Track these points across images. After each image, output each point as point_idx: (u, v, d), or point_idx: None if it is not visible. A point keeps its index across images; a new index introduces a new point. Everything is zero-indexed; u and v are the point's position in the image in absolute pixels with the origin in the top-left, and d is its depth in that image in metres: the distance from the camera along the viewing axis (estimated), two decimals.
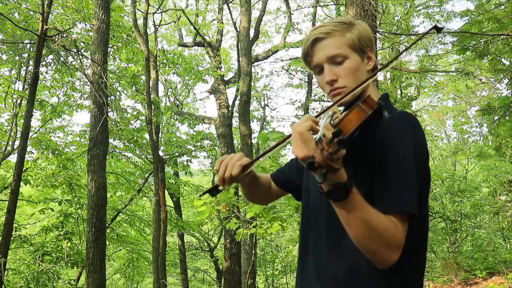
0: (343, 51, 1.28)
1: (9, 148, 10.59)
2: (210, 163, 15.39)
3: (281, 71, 15.28)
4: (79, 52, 7.86)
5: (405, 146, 1.16)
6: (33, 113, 7.97)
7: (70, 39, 7.96)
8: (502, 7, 6.32)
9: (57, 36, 7.10)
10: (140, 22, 10.73)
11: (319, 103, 13.61)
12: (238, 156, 1.33)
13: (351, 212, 1.05)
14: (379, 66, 1.38)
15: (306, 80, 14.54)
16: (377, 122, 1.22)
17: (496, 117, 6.99)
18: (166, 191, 11.39)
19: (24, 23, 9.47)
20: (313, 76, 1.40)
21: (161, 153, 11.12)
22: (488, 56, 6.36)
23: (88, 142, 7.18)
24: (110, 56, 10.45)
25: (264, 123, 16.38)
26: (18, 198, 6.97)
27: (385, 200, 1.13)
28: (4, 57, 10.36)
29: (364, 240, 1.08)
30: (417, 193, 1.14)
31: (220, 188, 1.32)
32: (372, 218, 1.06)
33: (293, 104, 16.77)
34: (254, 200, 1.71)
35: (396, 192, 1.13)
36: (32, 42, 9.58)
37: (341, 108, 1.34)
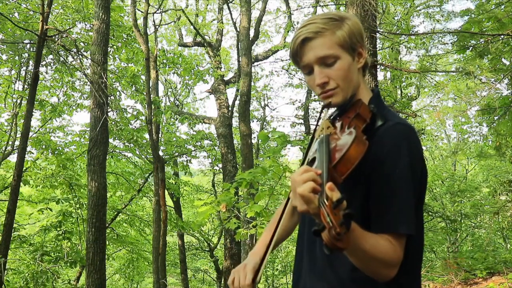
0: (333, 52, 1.24)
1: (9, 148, 10.59)
2: (210, 163, 15.38)
3: (281, 71, 15.28)
4: (79, 52, 7.85)
5: (401, 164, 1.15)
6: (33, 113, 7.96)
7: (70, 39, 7.96)
8: (502, 6, 6.31)
9: (57, 36, 7.10)
10: (140, 22, 10.73)
11: (319, 103, 13.61)
12: (243, 273, 1.30)
13: (350, 245, 1.04)
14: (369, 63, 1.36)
15: (306, 81, 14.52)
16: (370, 130, 1.19)
17: (496, 117, 6.98)
18: (166, 191, 11.39)
19: (24, 23, 9.47)
20: None
21: (161, 153, 11.12)
22: (488, 55, 6.36)
23: (88, 142, 7.18)
24: (110, 56, 10.45)
25: (264, 123, 16.38)
26: (18, 198, 6.97)
27: (382, 222, 1.14)
28: (4, 57, 10.37)
29: (363, 266, 1.11)
30: (414, 212, 1.14)
31: None
32: (370, 248, 1.07)
33: (293, 104, 16.74)
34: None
35: (393, 214, 1.13)
36: (32, 42, 9.58)
37: (332, 110, 1.33)
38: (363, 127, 1.17)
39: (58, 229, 8.84)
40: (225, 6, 12.95)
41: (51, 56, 10.18)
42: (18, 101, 10.59)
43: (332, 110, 1.37)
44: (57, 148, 10.73)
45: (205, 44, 13.17)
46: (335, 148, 1.11)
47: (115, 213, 11.95)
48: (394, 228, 1.12)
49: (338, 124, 1.23)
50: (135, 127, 11.12)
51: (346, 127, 1.17)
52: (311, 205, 0.98)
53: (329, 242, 0.90)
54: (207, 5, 14.57)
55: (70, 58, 9.49)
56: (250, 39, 10.87)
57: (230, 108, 12.23)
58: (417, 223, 1.17)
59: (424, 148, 16.87)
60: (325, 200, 0.93)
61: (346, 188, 1.02)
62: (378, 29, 6.44)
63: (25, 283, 7.48)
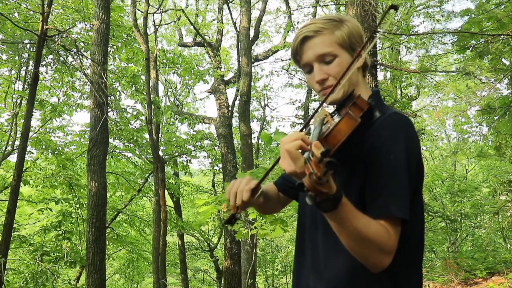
0: (332, 50, 1.27)
1: (9, 148, 10.58)
2: (210, 163, 15.39)
3: (281, 71, 15.28)
4: (79, 52, 7.85)
5: (396, 149, 1.16)
6: (33, 113, 7.96)
7: (70, 39, 7.96)
8: (502, 6, 6.32)
9: (57, 36, 7.10)
10: (140, 22, 10.74)
11: (319, 103, 13.60)
12: (245, 180, 1.30)
13: (341, 222, 1.06)
14: (369, 64, 1.37)
15: (306, 80, 14.53)
16: (368, 122, 1.20)
17: (496, 117, 6.99)
18: (166, 191, 11.39)
19: (24, 23, 9.47)
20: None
21: (161, 153, 11.12)
22: (488, 55, 6.36)
23: (88, 142, 7.18)
24: (110, 56, 10.44)
25: (264, 123, 16.39)
26: (18, 198, 6.97)
27: (376, 206, 1.14)
28: (4, 57, 10.36)
29: (356, 247, 1.10)
30: (409, 198, 1.14)
31: (237, 216, 1.30)
32: (363, 227, 1.07)
33: (293, 104, 16.76)
34: (267, 213, 1.71)
35: (387, 197, 1.13)
36: (32, 42, 9.58)
37: (331, 108, 1.33)
38: (359, 115, 1.17)
39: (58, 229, 8.85)
40: (225, 6, 12.95)
41: (51, 56, 10.17)
42: (18, 101, 10.58)
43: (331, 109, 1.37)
44: (57, 148, 10.73)
45: (205, 44, 13.17)
46: (328, 126, 1.13)
47: (115, 213, 11.95)
48: (386, 211, 1.12)
49: (335, 115, 1.26)
50: (135, 127, 11.13)
51: (341, 113, 1.19)
52: (298, 163, 1.00)
53: (311, 186, 0.92)
54: (207, 5, 14.57)
55: (70, 58, 9.50)
56: (250, 39, 10.87)
57: (230, 108, 12.23)
58: (414, 212, 1.17)
59: (424, 148, 16.87)
60: (311, 157, 0.95)
61: (344, 181, 1.02)
62: (378, 29, 6.43)
63: (25, 283, 7.48)
